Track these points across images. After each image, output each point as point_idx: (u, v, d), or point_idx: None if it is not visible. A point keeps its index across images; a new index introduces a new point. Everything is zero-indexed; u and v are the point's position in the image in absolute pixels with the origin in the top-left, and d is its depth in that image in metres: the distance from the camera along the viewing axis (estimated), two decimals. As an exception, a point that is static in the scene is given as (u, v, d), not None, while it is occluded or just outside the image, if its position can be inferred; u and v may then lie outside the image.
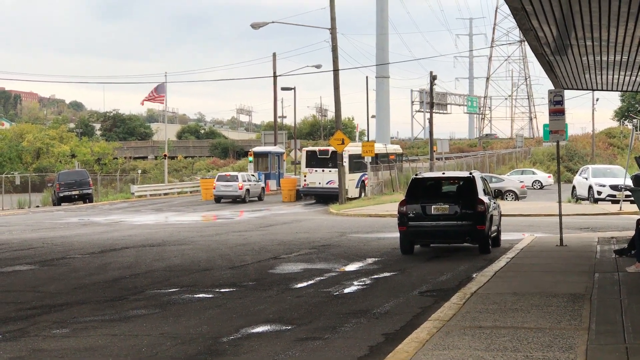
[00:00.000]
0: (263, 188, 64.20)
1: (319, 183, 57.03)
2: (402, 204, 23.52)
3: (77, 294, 17.07)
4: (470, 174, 24.25)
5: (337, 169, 54.08)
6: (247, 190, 60.34)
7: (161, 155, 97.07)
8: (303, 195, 59.34)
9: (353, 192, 57.10)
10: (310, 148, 59.56)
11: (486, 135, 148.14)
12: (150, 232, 33.46)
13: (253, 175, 64.94)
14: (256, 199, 62.05)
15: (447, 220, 23.05)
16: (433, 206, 23.14)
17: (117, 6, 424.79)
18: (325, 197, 55.28)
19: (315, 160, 57.43)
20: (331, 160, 55.65)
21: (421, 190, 23.81)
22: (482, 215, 22.88)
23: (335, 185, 54.55)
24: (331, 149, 55.61)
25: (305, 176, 57.93)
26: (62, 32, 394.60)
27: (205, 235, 31.28)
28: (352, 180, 57.28)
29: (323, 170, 56.19)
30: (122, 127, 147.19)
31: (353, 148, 57.53)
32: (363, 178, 58.61)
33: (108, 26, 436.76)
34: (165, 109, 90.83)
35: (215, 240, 28.74)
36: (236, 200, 59.60)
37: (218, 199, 60.15)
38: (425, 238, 23.90)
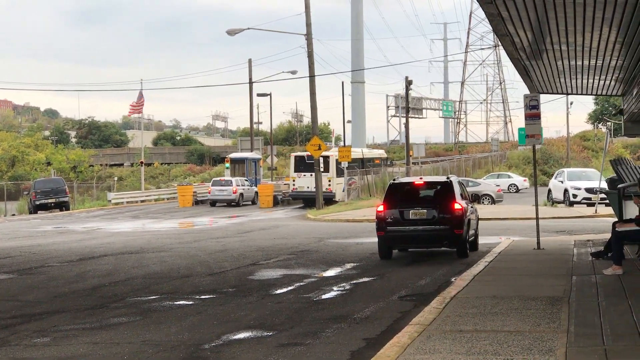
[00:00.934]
0: (256, 192, 65.42)
1: (307, 187, 58.23)
2: (380, 209, 23.57)
3: (57, 302, 17.03)
4: (448, 178, 24.38)
5: (326, 174, 56.27)
6: (241, 194, 63.19)
7: (137, 162, 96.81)
8: (292, 199, 61.08)
9: (340, 195, 58.35)
10: (299, 153, 61.04)
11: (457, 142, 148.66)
12: (128, 239, 33.40)
13: (247, 180, 66.92)
14: (250, 202, 64.54)
15: (425, 225, 23.11)
16: (411, 211, 23.19)
17: (92, 12, 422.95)
18: (313, 201, 55.90)
19: (303, 165, 58.87)
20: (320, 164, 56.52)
21: (399, 195, 23.86)
22: (459, 219, 22.97)
23: (323, 189, 55.78)
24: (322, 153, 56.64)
25: (294, 180, 59.84)
26: (36, 39, 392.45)
27: (184, 242, 31.26)
28: (339, 184, 59.13)
29: (311, 175, 56.91)
30: (98, 135, 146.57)
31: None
32: (350, 182, 60.31)
33: (82, 32, 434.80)
34: (141, 115, 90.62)
35: (193, 247, 28.73)
36: (230, 204, 62.04)
37: (213, 203, 63.08)
38: (403, 243, 23.99)
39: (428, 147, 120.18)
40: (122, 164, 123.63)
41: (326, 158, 57.83)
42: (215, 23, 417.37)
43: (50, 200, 63.21)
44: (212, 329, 13.50)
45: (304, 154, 60.00)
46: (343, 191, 59.28)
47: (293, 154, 62.57)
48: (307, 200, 57.98)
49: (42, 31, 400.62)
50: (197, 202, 67.63)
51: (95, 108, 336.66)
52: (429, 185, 24.70)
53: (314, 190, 55.80)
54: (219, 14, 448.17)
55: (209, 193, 64.13)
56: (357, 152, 66.67)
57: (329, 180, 58.85)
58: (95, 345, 12.33)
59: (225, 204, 62.82)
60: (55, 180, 68.83)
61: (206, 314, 15.09)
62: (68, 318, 14.95)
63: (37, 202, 62.51)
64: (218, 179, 66.46)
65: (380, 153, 75.61)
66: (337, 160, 57.83)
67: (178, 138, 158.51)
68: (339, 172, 58.70)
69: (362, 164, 64.29)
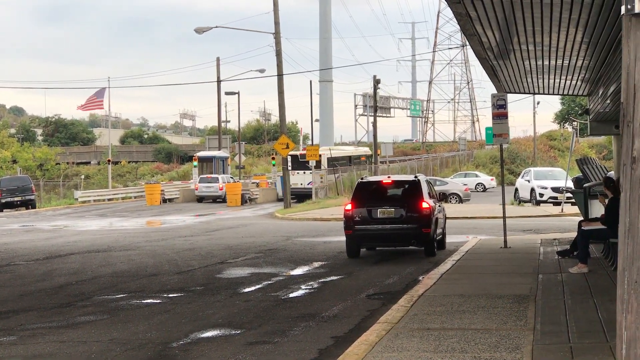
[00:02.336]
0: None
1: (301, 184, 62.26)
2: (348, 207, 23.60)
3: (23, 301, 16.93)
4: (416, 177, 24.42)
5: (318, 171, 61.09)
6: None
7: (104, 161, 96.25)
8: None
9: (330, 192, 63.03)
10: (293, 152, 63.03)
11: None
12: (95, 237, 33.24)
13: (232, 177, 68.69)
14: None
15: (393, 223, 23.16)
16: (379, 210, 23.24)
17: (58, 9, 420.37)
18: (306, 196, 59.20)
19: (297, 164, 62.42)
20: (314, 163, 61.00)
21: (367, 194, 23.87)
22: (427, 218, 23.02)
23: (316, 185, 60.30)
24: None
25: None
26: (1, 35, 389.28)
27: (151, 240, 31.16)
28: (330, 181, 63.70)
29: (304, 172, 61.60)
30: (65, 133, 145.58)
31: (334, 151, 67.00)
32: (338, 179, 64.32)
33: (49, 29, 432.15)
34: (108, 113, 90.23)
35: (161, 246, 28.65)
36: (216, 200, 63.95)
37: (200, 199, 65.43)
38: (371, 241, 24.02)
39: (396, 146, 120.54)
40: (89, 162, 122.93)
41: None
42: (179, 21, 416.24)
43: (16, 199, 62.68)
44: (180, 327, 13.48)
45: (298, 153, 63.43)
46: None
47: (289, 153, 64.53)
48: (300, 196, 60.04)
49: (7, 28, 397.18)
50: (164, 201, 67.42)
51: (61, 106, 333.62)
52: (397, 184, 24.72)
53: (307, 186, 59.76)
54: (182, 13, 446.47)
55: (196, 189, 66.22)
56: (347, 150, 77.08)
57: (322, 177, 62.99)
58: (62, 344, 12.28)
59: (211, 200, 64.88)
60: (22, 178, 68.23)
61: (174, 312, 15.06)
62: (35, 317, 14.87)
63: (3, 200, 61.96)
64: (205, 176, 68.20)
65: (366, 151, 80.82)
66: (328, 158, 64.15)
67: (145, 136, 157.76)
68: (331, 170, 63.81)
69: (350, 161, 70.63)
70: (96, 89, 78.46)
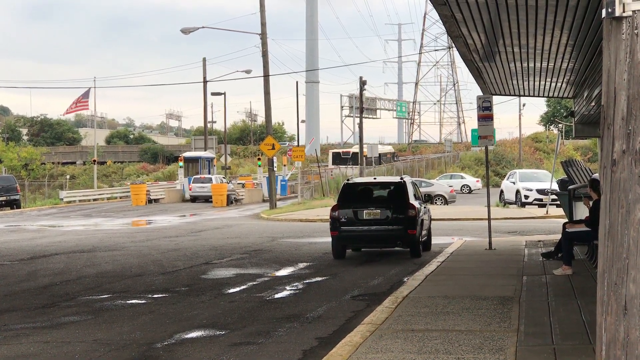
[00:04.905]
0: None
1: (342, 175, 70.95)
2: (334, 209, 23.70)
3: (7, 301, 16.89)
4: (401, 178, 24.55)
5: (355, 166, 73.54)
6: None
7: (90, 161, 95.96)
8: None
9: None
10: (335, 150, 78.28)
11: (415, 141, 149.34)
12: (80, 238, 33.17)
13: (224, 178, 69.01)
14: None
15: (379, 225, 23.30)
16: (365, 211, 23.33)
17: (42, 8, 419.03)
18: None
19: (339, 160, 77.90)
20: (352, 159, 78.33)
21: (353, 196, 24.00)
22: (413, 219, 23.14)
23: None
24: (352, 150, 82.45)
25: (332, 172, 75.31)
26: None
27: (137, 240, 31.11)
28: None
29: (346, 167, 74.82)
30: (50, 132, 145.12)
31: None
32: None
33: (34, 28, 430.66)
34: (94, 113, 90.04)
35: (146, 246, 28.61)
36: (208, 200, 63.81)
37: (194, 199, 66.38)
38: (357, 243, 24.17)
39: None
40: (74, 162, 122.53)
41: (356, 154, 77.02)
42: (162, 21, 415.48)
43: (0, 199, 62.47)
44: (164, 327, 13.47)
45: (340, 150, 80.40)
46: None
47: (331, 151, 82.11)
48: None
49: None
50: (150, 201, 67.32)
51: (47, 105, 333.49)
52: (383, 185, 25.04)
53: (348, 176, 63.42)
54: (168, 13, 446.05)
55: (190, 190, 66.95)
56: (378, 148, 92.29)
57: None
58: (46, 344, 12.26)
59: (204, 200, 65.19)
60: (6, 177, 67.94)
61: (159, 312, 15.05)
62: (18, 317, 14.84)
63: (-13, 200, 61.75)
64: (198, 176, 68.93)
65: (389, 149, 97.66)
66: (365, 155, 75.55)
67: (131, 136, 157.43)
68: (368, 165, 74.24)
69: (380, 157, 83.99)
70: (82, 89, 78.51)
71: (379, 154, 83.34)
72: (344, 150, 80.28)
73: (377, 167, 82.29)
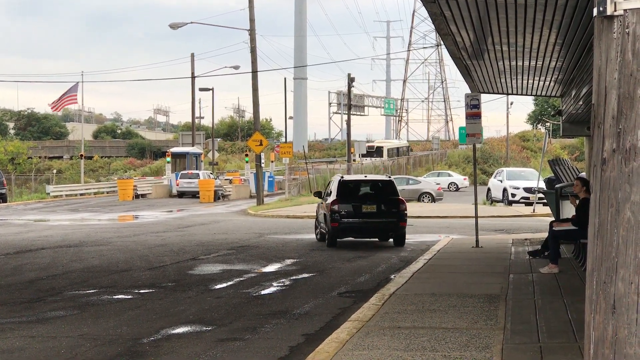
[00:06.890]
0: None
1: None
2: (334, 203, 25.94)
3: (-7, 295, 16.83)
4: (389, 177, 27.80)
5: (380, 158, 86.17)
6: None
7: (77, 155, 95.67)
8: None
9: None
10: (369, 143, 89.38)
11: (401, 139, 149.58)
12: (66, 232, 33.06)
13: (212, 173, 69.79)
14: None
15: (375, 217, 26.15)
16: (363, 205, 26.15)
17: (30, 3, 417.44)
18: None
19: (367, 153, 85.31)
20: (376, 152, 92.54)
21: (349, 191, 26.73)
22: (404, 213, 26.22)
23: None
24: (375, 144, 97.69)
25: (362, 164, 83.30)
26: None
27: (123, 236, 31.04)
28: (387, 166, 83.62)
29: (371, 159, 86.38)
30: (37, 126, 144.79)
31: (388, 145, 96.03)
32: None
33: (20, 23, 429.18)
34: (81, 108, 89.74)
35: (133, 241, 28.55)
36: (195, 195, 63.83)
37: (181, 195, 66.57)
38: (355, 233, 26.75)
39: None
40: (61, 157, 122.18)
41: (380, 148, 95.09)
42: (152, 17, 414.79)
43: (-13, 192, 62.23)
44: (150, 323, 13.44)
45: (367, 144, 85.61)
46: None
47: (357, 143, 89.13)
48: None
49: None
50: (137, 196, 67.18)
51: (34, 99, 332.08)
52: (375, 182, 28.07)
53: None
54: (155, 8, 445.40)
55: (177, 185, 67.18)
56: (396, 143, 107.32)
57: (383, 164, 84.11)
58: (31, 339, 12.21)
59: (191, 195, 65.16)
60: (-7, 171, 67.76)
61: (145, 308, 15.02)
62: (4, 311, 14.77)
63: (-26, 194, 61.51)
64: (186, 172, 69.13)
65: (405, 143, 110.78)
66: (388, 149, 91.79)
67: (119, 131, 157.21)
68: (391, 158, 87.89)
69: (398, 151, 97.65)
70: (69, 83, 78.09)
71: (397, 148, 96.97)
72: (369, 144, 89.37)
73: (364, 163, 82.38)
